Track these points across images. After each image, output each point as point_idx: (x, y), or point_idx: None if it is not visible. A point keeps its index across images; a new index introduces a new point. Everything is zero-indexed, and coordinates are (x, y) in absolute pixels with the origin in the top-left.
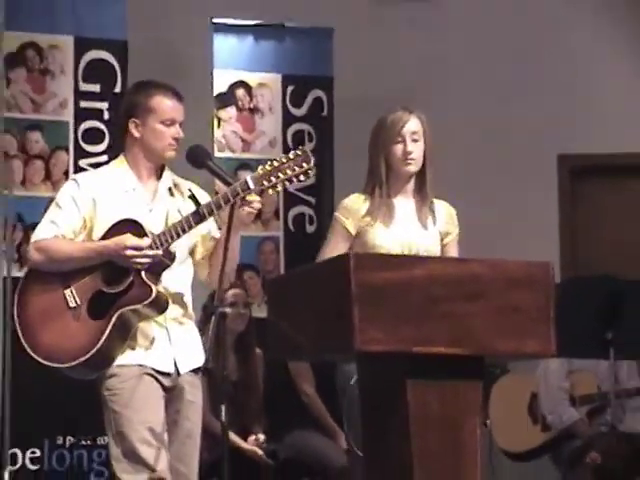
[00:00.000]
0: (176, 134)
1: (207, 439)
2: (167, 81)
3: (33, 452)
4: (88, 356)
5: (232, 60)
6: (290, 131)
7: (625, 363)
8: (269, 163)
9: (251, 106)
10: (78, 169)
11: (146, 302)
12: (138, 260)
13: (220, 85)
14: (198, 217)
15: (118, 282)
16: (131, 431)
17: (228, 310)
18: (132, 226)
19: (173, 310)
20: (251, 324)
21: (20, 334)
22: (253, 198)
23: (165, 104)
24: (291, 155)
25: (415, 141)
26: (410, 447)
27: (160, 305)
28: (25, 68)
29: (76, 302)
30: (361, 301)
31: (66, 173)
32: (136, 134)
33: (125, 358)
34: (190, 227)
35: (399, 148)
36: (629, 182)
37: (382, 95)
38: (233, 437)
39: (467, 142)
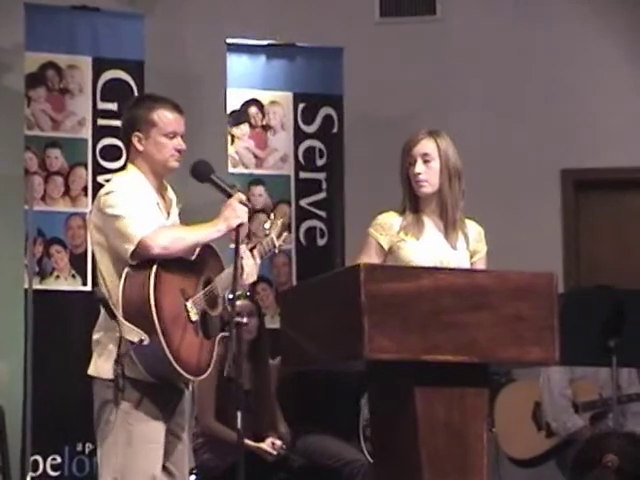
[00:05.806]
0: (178, 145)
1: (216, 445)
2: (182, 100)
3: (54, 459)
4: (207, 374)
5: (245, 79)
6: (301, 148)
7: (625, 370)
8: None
9: (263, 123)
10: (96, 185)
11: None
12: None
13: (233, 103)
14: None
15: (214, 306)
16: None
17: (244, 320)
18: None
19: None
20: (263, 333)
21: (162, 341)
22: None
23: (166, 117)
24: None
25: (427, 162)
26: (419, 452)
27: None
28: (45, 87)
29: (196, 317)
30: (371, 311)
31: (84, 189)
32: (140, 147)
33: None
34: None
35: (411, 169)
36: (630, 196)
37: (390, 112)
38: (247, 441)
39: (470, 157)
